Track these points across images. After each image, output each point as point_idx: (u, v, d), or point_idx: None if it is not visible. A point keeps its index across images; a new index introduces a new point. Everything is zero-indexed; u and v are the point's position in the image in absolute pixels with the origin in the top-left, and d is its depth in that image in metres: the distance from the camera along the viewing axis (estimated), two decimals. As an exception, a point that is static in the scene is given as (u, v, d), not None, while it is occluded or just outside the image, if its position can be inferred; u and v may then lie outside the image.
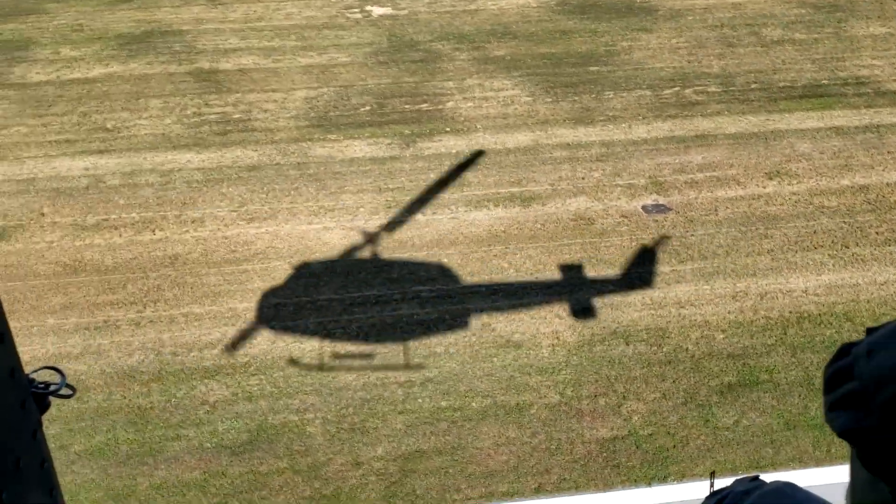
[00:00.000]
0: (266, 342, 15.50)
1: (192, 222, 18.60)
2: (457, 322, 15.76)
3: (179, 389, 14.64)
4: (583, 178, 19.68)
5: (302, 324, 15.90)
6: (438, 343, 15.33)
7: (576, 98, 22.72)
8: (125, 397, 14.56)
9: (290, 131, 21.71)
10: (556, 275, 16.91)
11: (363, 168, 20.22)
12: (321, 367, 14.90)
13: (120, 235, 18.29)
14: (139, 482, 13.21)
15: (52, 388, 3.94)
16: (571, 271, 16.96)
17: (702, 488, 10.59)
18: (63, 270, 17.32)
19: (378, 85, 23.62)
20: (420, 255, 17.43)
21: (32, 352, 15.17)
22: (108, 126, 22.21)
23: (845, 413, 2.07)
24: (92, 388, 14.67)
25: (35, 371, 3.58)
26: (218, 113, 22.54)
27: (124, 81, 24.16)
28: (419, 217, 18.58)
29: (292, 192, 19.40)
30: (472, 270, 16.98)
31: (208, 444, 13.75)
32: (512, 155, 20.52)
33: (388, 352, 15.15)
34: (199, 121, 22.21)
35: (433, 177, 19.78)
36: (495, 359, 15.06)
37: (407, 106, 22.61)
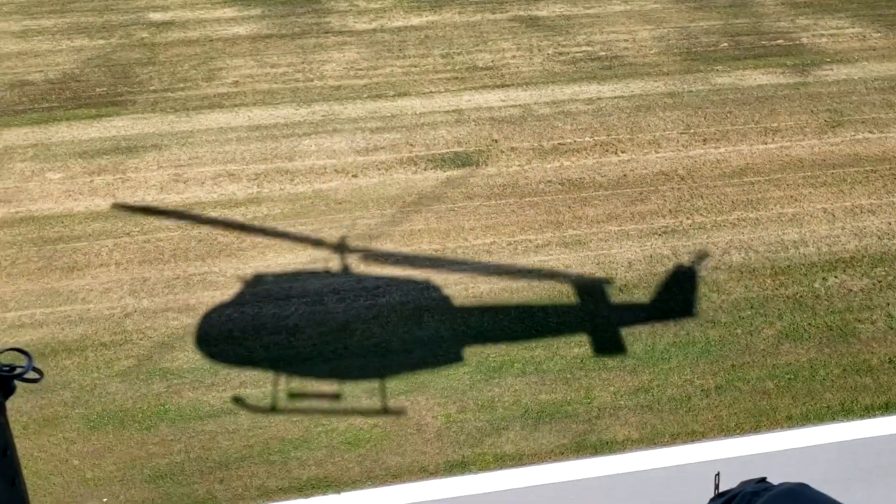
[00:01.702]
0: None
1: (650, 144, 18.68)
2: None
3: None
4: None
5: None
6: None
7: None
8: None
9: (676, 63, 21.87)
10: None
11: (783, 93, 20.67)
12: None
13: (586, 157, 18.22)
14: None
15: (18, 370, 3.69)
16: None
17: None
18: (547, 189, 17.16)
19: (713, 25, 24.06)
20: None
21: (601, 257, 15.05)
22: (480, 65, 21.97)
23: None
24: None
25: None
26: (583, 51, 22.48)
27: (455, 28, 23.87)
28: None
29: (729, 115, 19.67)
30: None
31: None
32: None
33: None
34: (569, 58, 22.07)
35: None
36: None
37: (764, 42, 23.17)
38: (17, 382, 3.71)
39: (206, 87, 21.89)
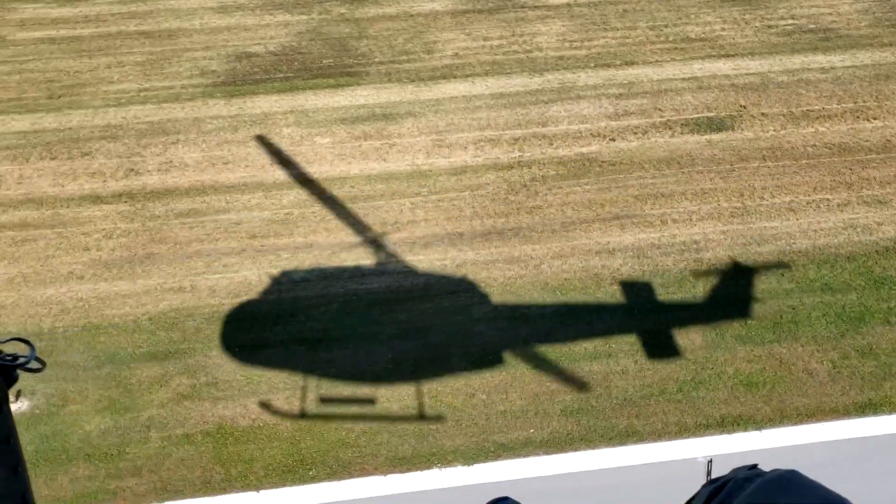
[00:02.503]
0: None
1: None
2: None
3: None
4: None
5: None
6: None
7: None
8: None
9: (894, 35, 22.20)
10: None
11: None
12: None
13: (839, 123, 18.61)
14: None
15: (21, 360, 3.83)
16: None
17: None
18: (816, 152, 17.35)
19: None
20: None
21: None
22: (693, 36, 22.41)
23: None
24: None
25: (2, 342, 3.50)
26: (790, 24, 22.66)
27: (648, 2, 24.30)
28: None
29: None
30: None
31: None
32: None
33: None
34: (781, 31, 22.29)
35: None
36: None
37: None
38: (19, 372, 3.85)
39: (430, 59, 22.50)
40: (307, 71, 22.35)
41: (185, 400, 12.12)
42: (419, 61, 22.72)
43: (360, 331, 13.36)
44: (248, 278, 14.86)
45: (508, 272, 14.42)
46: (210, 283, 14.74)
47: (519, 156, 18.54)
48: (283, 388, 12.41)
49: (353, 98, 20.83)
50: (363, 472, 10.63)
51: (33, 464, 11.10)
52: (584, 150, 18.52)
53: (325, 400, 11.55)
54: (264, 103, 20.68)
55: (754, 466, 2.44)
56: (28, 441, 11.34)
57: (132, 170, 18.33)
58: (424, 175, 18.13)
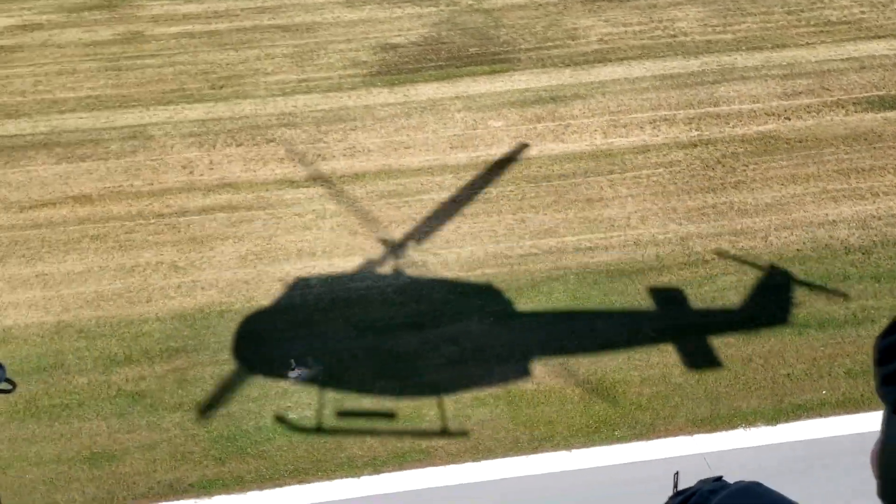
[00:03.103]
0: None
1: None
2: None
3: None
4: None
5: None
6: None
7: None
8: None
9: None
10: None
11: None
12: None
13: None
14: None
15: None
16: None
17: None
18: None
19: None
20: None
21: None
22: (833, 19, 22.47)
23: None
24: None
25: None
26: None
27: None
28: None
29: None
30: None
31: None
32: None
33: None
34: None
35: None
36: None
37: None
38: None
39: (576, 45, 22.70)
40: (457, 59, 22.57)
41: (456, 365, 12.31)
42: (566, 47, 22.91)
43: (611, 300, 13.54)
44: (474, 253, 15.14)
45: (738, 244, 14.58)
46: (440, 259, 14.97)
47: (698, 135, 18.71)
48: (556, 352, 12.63)
49: (513, 83, 21.05)
50: (667, 433, 10.80)
51: (330, 425, 11.35)
52: (762, 128, 18.69)
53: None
54: (427, 90, 20.92)
55: (719, 478, 2.55)
56: (318, 405, 11.57)
57: (319, 155, 18.61)
58: (608, 154, 18.31)
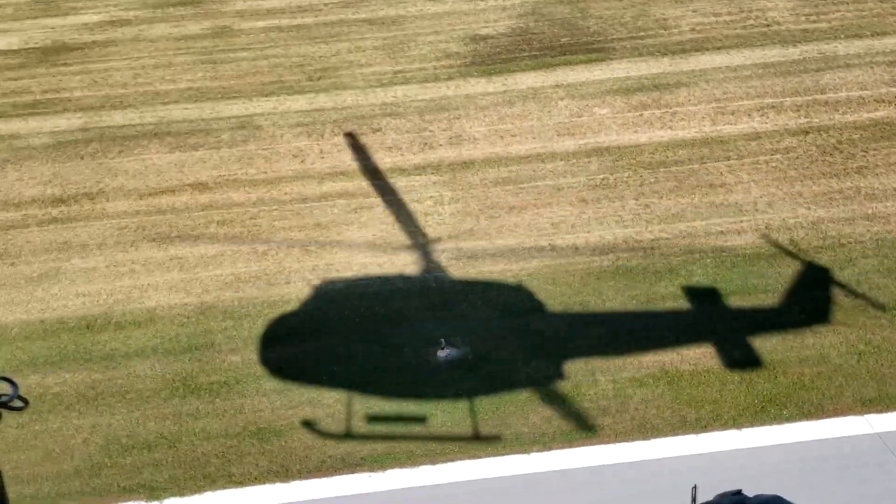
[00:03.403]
0: None
1: None
2: None
3: None
4: None
5: None
6: None
7: None
8: None
9: None
10: None
11: None
12: None
13: None
14: None
15: (3, 398, 3.76)
16: None
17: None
18: None
19: None
20: None
21: None
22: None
23: None
24: None
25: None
26: None
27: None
28: None
29: None
30: None
31: None
32: None
33: None
34: None
35: None
36: None
37: None
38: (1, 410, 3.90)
39: (668, 34, 22.56)
40: (550, 49, 22.52)
41: (607, 346, 12.27)
42: (659, 36, 22.79)
43: (751, 283, 13.44)
44: (603, 237, 14.95)
45: (873, 228, 14.43)
46: (568, 243, 14.89)
47: (807, 122, 18.50)
48: (708, 334, 12.44)
49: (611, 71, 20.97)
50: (836, 413, 10.70)
51: (492, 404, 11.40)
52: (874, 115, 18.45)
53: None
54: (526, 79, 20.88)
55: (738, 492, 2.59)
56: (471, 385, 11.58)
57: (426, 143, 18.64)
58: (719, 141, 18.16)
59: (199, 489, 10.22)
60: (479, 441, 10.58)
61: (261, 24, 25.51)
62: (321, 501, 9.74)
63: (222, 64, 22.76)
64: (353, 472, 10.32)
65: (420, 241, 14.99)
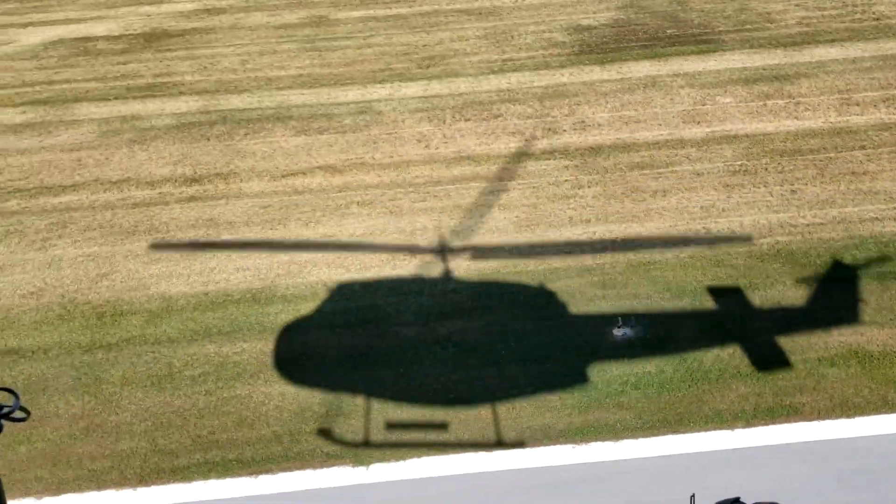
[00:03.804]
0: None
1: None
2: None
3: None
4: None
5: None
6: None
7: None
8: None
9: None
10: None
11: None
12: None
13: None
14: None
15: (5, 410, 3.77)
16: None
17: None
18: None
19: None
20: None
21: None
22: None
23: None
24: None
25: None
26: None
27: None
28: None
29: None
30: None
31: None
32: None
33: None
34: None
35: None
36: None
37: None
38: (3, 421, 3.85)
39: (775, 27, 22.41)
40: (658, 40, 22.39)
41: (788, 327, 12.07)
42: (766, 29, 22.63)
43: (877, 270, 13.25)
44: (757, 221, 14.56)
45: None
46: (721, 227, 14.52)
47: (947, 115, 18.35)
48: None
49: (726, 62, 20.80)
50: None
51: (683, 382, 11.02)
52: None
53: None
54: (641, 68, 20.75)
55: (736, 500, 2.50)
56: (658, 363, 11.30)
57: (549, 129, 18.53)
58: (849, 131, 17.93)
59: (402, 456, 10.15)
60: (676, 416, 10.45)
61: (356, 14, 25.51)
62: (552, 469, 9.69)
63: (327, 52, 22.76)
64: (554, 444, 10.20)
65: (565, 224, 14.83)
